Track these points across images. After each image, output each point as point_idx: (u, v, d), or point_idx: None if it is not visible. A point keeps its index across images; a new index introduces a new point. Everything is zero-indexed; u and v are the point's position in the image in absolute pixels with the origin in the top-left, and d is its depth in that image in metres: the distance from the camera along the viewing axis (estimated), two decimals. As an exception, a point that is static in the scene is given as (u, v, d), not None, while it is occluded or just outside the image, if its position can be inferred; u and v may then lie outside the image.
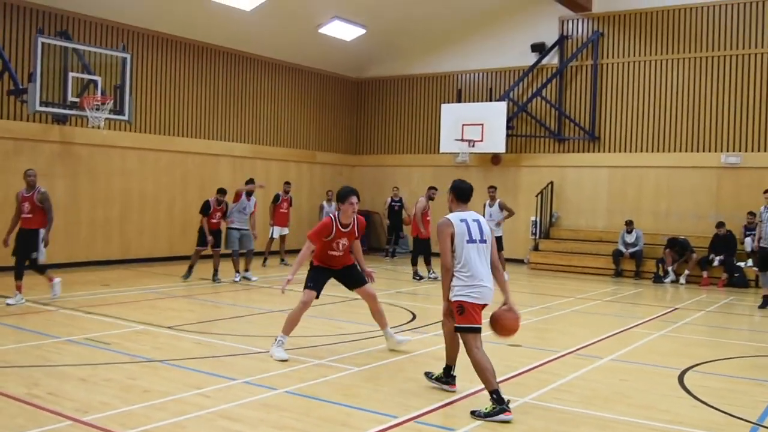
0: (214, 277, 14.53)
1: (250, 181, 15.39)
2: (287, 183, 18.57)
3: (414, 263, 15.99)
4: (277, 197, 18.15)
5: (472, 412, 5.98)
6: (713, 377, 7.75)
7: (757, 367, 8.49)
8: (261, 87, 21.00)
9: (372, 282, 8.50)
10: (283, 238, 18.30)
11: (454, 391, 6.70)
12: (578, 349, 8.85)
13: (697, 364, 8.20)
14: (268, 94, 21.22)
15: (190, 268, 14.62)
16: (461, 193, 6.45)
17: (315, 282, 8.09)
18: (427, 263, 16.00)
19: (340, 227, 8.02)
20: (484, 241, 6.29)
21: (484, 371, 6.02)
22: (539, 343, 9.23)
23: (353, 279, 8.36)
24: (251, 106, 20.71)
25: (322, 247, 8.04)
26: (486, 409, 5.91)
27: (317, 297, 8.15)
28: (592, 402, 6.55)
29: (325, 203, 19.82)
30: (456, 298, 6.17)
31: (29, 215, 11.29)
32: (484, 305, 6.25)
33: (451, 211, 6.45)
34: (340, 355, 8.15)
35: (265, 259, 18.08)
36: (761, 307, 13.17)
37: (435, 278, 15.48)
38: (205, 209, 14.56)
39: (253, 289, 13.82)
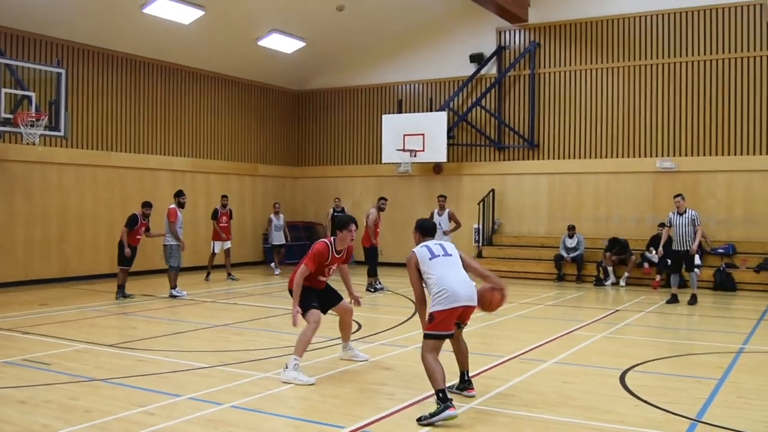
0: (123, 294, 14.15)
1: (180, 194, 15.22)
2: (224, 196, 18.51)
3: (371, 274, 15.86)
4: (215, 212, 18.08)
5: (418, 419, 6.00)
6: (653, 376, 7.92)
7: (694, 365, 8.72)
8: (200, 100, 20.81)
9: (358, 306, 8.60)
10: (227, 251, 18.12)
11: (473, 396, 6.81)
12: (522, 354, 8.96)
13: (638, 364, 8.37)
14: (207, 107, 21.04)
15: (122, 288, 14.21)
16: (425, 231, 7.11)
17: (317, 301, 7.99)
18: (374, 273, 16.01)
19: (334, 253, 7.96)
20: (449, 255, 6.74)
21: (434, 372, 6.18)
22: (484, 348, 9.30)
23: (331, 298, 8.27)
24: (190, 120, 20.50)
25: (313, 273, 7.89)
26: (431, 410, 5.99)
27: (325, 313, 8.15)
28: (536, 405, 6.64)
29: (273, 216, 19.64)
30: (430, 309, 6.51)
31: None
32: (462, 307, 6.47)
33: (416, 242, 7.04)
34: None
35: (208, 274, 17.90)
36: (669, 302, 14.10)
37: (381, 289, 15.60)
38: (132, 223, 14.20)
39: (197, 304, 13.66)
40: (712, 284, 16.55)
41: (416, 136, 20.14)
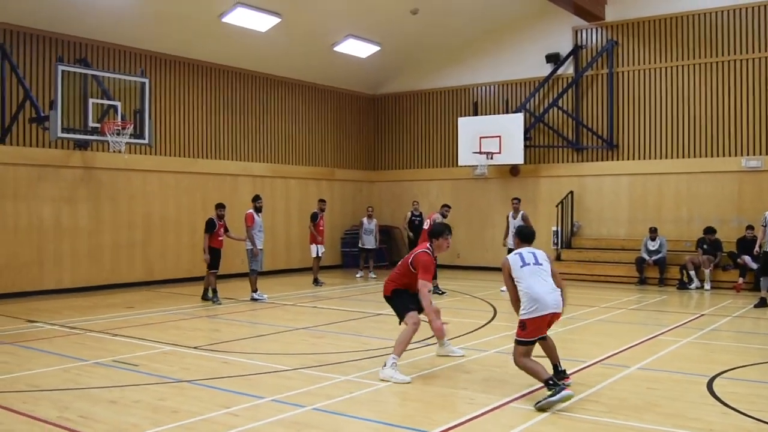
0: (214, 298, 14.40)
1: (256, 198, 15.40)
2: (322, 201, 18.56)
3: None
4: (314, 215, 18.00)
5: (536, 404, 6.52)
6: (742, 383, 7.68)
7: (786, 372, 8.41)
8: (278, 106, 21.15)
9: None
10: (318, 257, 18.10)
11: (570, 384, 7.08)
12: (605, 359, 8.80)
13: (726, 371, 8.13)
14: (285, 113, 21.37)
15: (214, 291, 14.50)
16: (523, 237, 7.53)
17: (414, 304, 8.10)
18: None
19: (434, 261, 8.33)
20: (539, 264, 7.15)
21: (536, 370, 6.80)
22: (565, 353, 9.08)
23: (418, 303, 8.36)
24: (269, 126, 20.86)
25: (412, 277, 8.06)
26: (546, 394, 6.56)
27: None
28: (620, 412, 6.51)
29: (365, 219, 19.75)
30: (520, 317, 6.97)
31: None
32: (551, 315, 6.93)
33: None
34: (367, 370, 8.13)
35: (316, 279, 17.86)
36: (757, 306, 13.60)
37: (442, 293, 15.58)
38: (210, 227, 14.48)
39: (277, 308, 13.86)
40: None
41: (492, 138, 20.01)
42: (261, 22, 17.82)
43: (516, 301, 7.12)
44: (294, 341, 10.46)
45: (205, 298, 14.60)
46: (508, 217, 16.44)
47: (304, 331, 11.13)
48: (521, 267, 7.07)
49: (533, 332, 6.90)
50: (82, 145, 16.08)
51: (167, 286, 17.35)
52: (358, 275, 19.38)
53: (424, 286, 7.86)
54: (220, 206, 14.81)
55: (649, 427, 6.08)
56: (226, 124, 19.62)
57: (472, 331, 10.85)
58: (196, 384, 7.60)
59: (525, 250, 7.28)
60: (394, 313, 8.34)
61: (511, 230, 15.92)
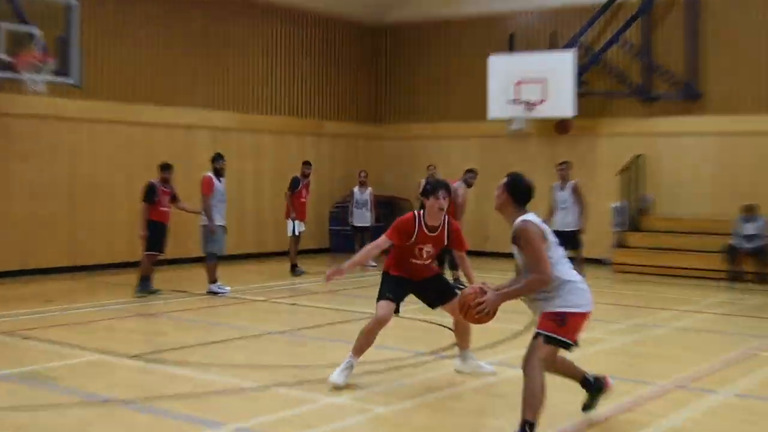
0: (147, 288, 14.21)
1: (217, 158, 15.06)
2: (306, 163, 18.41)
3: (454, 266, 15.12)
4: (296, 182, 17.94)
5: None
6: None
7: None
8: (250, 38, 20.99)
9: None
10: (296, 236, 18.05)
11: (611, 383, 7.13)
12: (685, 381, 8.69)
13: None
14: (258, 48, 21.23)
15: (146, 280, 14.31)
16: (523, 195, 6.59)
17: (394, 292, 8.13)
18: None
19: (425, 229, 8.08)
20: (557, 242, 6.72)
21: (540, 392, 6.35)
22: (630, 372, 9.05)
23: (438, 293, 8.35)
24: (235, 64, 20.71)
25: (400, 253, 8.15)
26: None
27: (397, 312, 8.19)
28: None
29: (356, 189, 19.79)
30: (560, 307, 6.40)
31: None
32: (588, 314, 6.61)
33: (510, 214, 6.57)
34: (360, 390, 8.00)
35: (294, 266, 17.79)
36: None
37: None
38: (149, 194, 14.30)
39: (244, 304, 13.79)
40: None
41: (534, 83, 19.86)
42: None
43: (546, 283, 6.35)
44: (265, 349, 10.42)
45: (142, 290, 14.29)
46: (553, 189, 16.19)
47: (279, 336, 11.14)
48: (552, 241, 6.49)
49: (574, 332, 6.47)
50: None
51: (98, 273, 17.30)
52: (372, 265, 18.49)
53: (378, 239, 8.25)
54: (165, 168, 14.70)
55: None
56: (178, 61, 19.46)
57: (503, 340, 10.70)
58: (132, 407, 7.49)
59: (534, 217, 6.51)
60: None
61: (559, 205, 15.82)
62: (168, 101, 19.17)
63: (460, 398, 7.95)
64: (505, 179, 6.59)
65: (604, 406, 7.45)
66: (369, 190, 19.84)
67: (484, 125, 21.74)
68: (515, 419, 7.13)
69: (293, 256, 17.90)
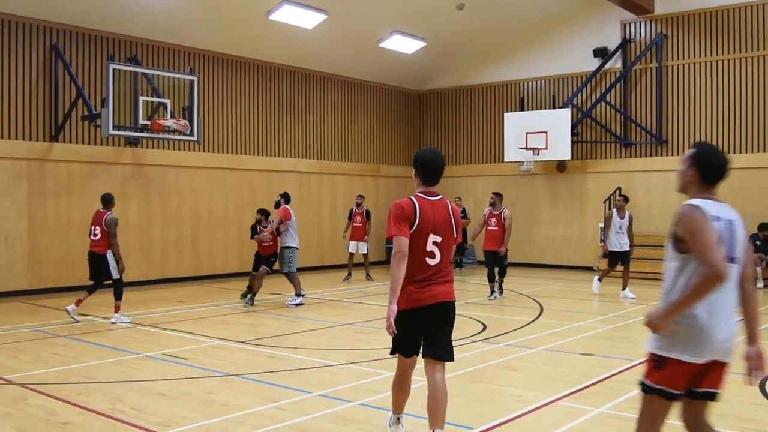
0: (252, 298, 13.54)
1: (285, 196, 14.04)
2: (360, 196, 18.36)
3: (492, 279, 14.51)
4: (351, 212, 18.07)
5: None
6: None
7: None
8: (325, 103, 21.26)
9: None
10: (364, 254, 18.03)
11: None
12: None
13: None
14: (331, 110, 21.47)
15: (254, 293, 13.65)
16: (713, 173, 4.07)
17: (412, 338, 5.28)
18: (500, 276, 14.72)
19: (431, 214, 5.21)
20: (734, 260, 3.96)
21: None
22: (611, 351, 9.08)
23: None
24: (315, 122, 20.97)
25: (413, 252, 5.09)
26: None
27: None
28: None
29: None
30: (655, 350, 3.91)
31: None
32: (714, 363, 3.94)
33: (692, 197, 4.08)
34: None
35: (349, 274, 17.94)
36: None
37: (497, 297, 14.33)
38: (252, 232, 13.88)
39: (324, 303, 13.93)
40: None
41: (539, 133, 19.86)
42: (307, 18, 17.90)
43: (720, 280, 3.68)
44: (339, 336, 10.53)
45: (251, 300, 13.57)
46: (611, 218, 15.10)
47: (350, 327, 11.19)
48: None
49: (671, 379, 3.91)
50: (132, 142, 16.35)
51: (215, 281, 17.57)
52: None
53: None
54: (260, 212, 14.06)
55: (699, 427, 5.97)
56: (272, 120, 19.77)
57: (518, 328, 10.79)
58: (244, 378, 7.69)
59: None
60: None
61: (615, 231, 14.88)
62: (264, 152, 19.52)
63: (485, 372, 8.01)
64: (691, 150, 4.12)
65: (596, 375, 7.56)
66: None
67: (502, 166, 21.78)
68: (528, 387, 7.29)
69: (350, 267, 17.97)
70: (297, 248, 13.58)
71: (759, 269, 16.38)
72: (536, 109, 21.28)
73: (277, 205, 13.92)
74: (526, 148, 19.96)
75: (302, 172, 20.27)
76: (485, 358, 8.61)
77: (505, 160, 20.86)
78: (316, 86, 21.00)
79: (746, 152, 18.09)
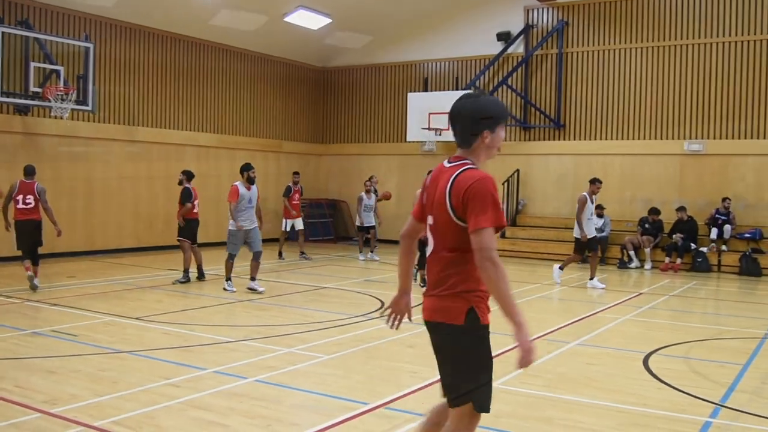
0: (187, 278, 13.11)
1: (247, 167, 12.46)
2: (296, 173, 18.24)
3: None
4: (288, 189, 17.63)
5: None
6: (677, 360, 7.92)
7: (719, 350, 8.67)
8: (226, 76, 20.85)
9: None
10: (301, 230, 17.81)
11: None
12: (545, 335, 8.95)
13: (662, 348, 8.36)
14: (232, 83, 21.09)
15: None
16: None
17: None
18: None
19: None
20: None
21: None
22: (507, 329, 9.30)
23: None
24: (216, 96, 20.56)
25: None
26: None
27: None
28: (559, 386, 6.66)
29: (363, 194, 17.89)
30: None
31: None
32: None
33: None
34: (310, 343, 8.17)
35: (281, 253, 17.58)
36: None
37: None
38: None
39: (220, 280, 13.71)
40: (738, 269, 16.43)
41: (441, 114, 20.00)
42: (210, -11, 17.54)
43: None
44: (237, 313, 10.46)
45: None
46: (584, 203, 13.79)
47: (249, 304, 11.09)
48: None
49: None
50: (22, 110, 15.65)
51: (110, 256, 17.09)
52: (360, 258, 17.77)
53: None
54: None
55: (586, 401, 6.23)
56: (171, 92, 19.27)
57: (416, 305, 10.88)
58: (137, 355, 7.54)
59: None
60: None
61: (588, 217, 13.84)
62: (162, 124, 19.03)
63: (382, 348, 8.11)
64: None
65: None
66: (374, 196, 18.08)
67: (404, 145, 21.91)
68: (424, 363, 7.40)
69: (282, 244, 17.74)
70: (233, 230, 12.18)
71: (647, 251, 17.12)
72: (440, 90, 21.47)
73: (180, 183, 13.53)
74: (429, 129, 20.13)
75: (201, 146, 19.86)
76: (382, 334, 8.68)
77: (408, 139, 20.99)
78: (217, 58, 20.57)
79: (639, 139, 18.80)
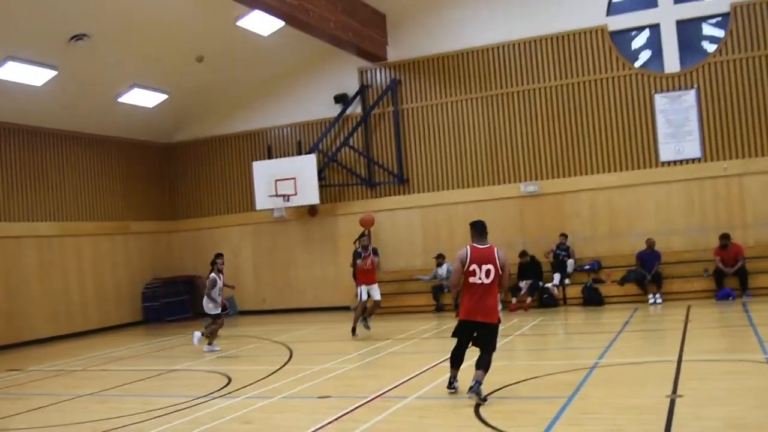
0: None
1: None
2: (363, 235, 16.16)
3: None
4: (358, 254, 15.03)
5: None
6: (509, 401, 8.19)
7: (548, 385, 8.98)
8: (62, 161, 20.21)
9: None
10: (378, 300, 15.04)
11: None
12: (386, 392, 9.06)
13: (497, 389, 8.61)
14: (70, 168, 20.41)
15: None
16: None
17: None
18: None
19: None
20: None
21: None
22: (348, 391, 9.39)
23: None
24: (54, 182, 19.84)
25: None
26: None
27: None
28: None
29: (215, 275, 14.47)
30: None
31: None
32: None
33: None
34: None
35: (354, 329, 14.97)
36: None
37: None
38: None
39: (66, 374, 13.13)
40: (581, 300, 17.22)
41: (288, 180, 20.17)
42: (36, 75, 17.09)
43: None
44: (73, 409, 9.96)
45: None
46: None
47: (88, 398, 10.65)
48: None
49: None
50: None
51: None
52: (216, 349, 14.23)
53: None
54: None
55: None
56: (5, 183, 18.53)
57: (263, 378, 10.79)
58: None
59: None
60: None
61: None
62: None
63: (218, 429, 7.99)
64: None
65: (328, 417, 7.79)
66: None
67: (255, 214, 21.83)
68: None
69: (357, 318, 14.86)
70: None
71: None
72: (284, 156, 21.62)
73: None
74: (276, 195, 20.19)
75: (42, 236, 19.13)
76: (222, 413, 8.56)
77: (257, 208, 20.97)
78: (52, 144, 19.93)
79: (478, 186, 19.56)
